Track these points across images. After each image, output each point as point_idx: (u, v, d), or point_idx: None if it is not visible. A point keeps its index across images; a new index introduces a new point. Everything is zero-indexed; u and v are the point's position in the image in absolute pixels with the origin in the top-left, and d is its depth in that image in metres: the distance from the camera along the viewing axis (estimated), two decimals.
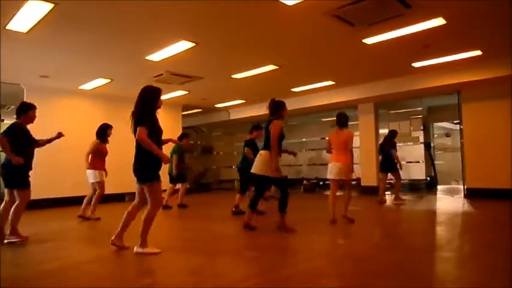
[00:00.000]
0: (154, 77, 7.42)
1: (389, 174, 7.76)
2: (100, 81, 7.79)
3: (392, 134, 7.87)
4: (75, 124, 8.42)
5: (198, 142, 13.58)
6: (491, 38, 5.65)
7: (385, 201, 7.65)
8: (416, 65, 7.01)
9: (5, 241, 4.17)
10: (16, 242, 4.19)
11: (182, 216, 6.81)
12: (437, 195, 9.17)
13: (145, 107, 3.60)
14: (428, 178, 10.48)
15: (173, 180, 7.44)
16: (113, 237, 3.71)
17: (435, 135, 12.64)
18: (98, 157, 5.95)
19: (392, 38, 5.41)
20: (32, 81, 7.63)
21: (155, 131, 3.60)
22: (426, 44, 5.77)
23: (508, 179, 7.14)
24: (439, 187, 10.79)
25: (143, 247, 3.55)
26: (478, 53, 6.30)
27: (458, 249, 3.88)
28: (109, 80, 7.70)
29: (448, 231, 4.81)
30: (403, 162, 8.24)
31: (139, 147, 3.55)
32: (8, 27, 4.65)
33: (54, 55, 6.01)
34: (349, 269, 3.16)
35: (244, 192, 6.34)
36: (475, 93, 7.82)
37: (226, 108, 11.71)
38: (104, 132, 6.01)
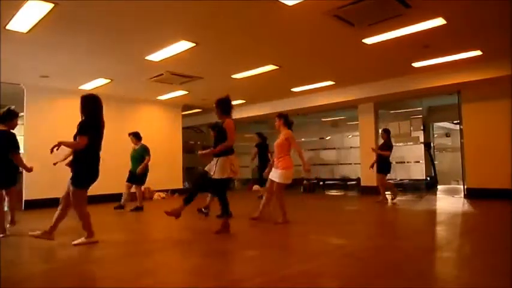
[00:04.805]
0: (154, 77, 7.42)
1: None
2: (100, 81, 7.79)
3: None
4: (75, 124, 8.42)
5: (198, 142, 13.58)
6: (491, 38, 5.64)
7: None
8: (416, 65, 7.00)
9: None
10: None
11: (182, 216, 6.79)
12: (437, 195, 9.17)
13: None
14: (428, 178, 10.48)
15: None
16: None
17: (435, 135, 12.64)
18: None
19: (392, 38, 5.40)
20: (32, 81, 7.62)
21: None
22: (426, 44, 5.77)
23: (508, 179, 7.13)
24: (439, 187, 10.80)
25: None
26: (478, 53, 6.30)
27: (458, 249, 3.88)
28: (109, 80, 7.70)
29: (448, 231, 4.80)
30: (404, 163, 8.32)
31: None
32: (8, 27, 4.64)
33: (54, 55, 6.01)
34: (349, 269, 3.15)
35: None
36: (475, 93, 7.82)
37: None
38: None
